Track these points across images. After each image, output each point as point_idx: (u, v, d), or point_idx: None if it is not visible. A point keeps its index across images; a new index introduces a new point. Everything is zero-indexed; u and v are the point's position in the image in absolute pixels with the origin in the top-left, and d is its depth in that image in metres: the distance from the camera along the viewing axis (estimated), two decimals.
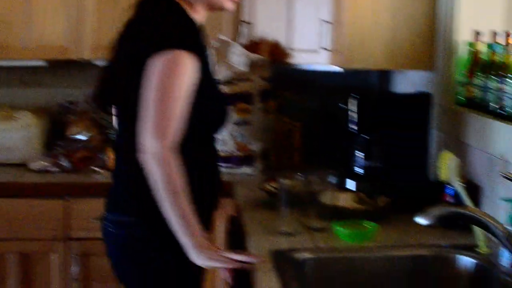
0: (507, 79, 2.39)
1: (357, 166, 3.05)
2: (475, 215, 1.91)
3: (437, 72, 2.94)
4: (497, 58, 2.51)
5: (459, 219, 2.03)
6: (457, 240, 2.35)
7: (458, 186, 2.33)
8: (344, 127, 3.16)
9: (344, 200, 2.72)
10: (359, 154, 3.01)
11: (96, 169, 3.42)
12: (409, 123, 3.00)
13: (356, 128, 3.08)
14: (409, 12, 2.92)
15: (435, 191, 2.56)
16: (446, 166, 2.33)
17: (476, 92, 2.63)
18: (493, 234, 1.90)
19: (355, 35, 2.91)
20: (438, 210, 1.90)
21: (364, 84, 3.72)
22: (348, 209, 2.62)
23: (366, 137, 2.98)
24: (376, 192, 2.74)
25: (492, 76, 2.50)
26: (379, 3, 2.91)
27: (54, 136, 3.69)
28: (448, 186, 2.48)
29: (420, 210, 1.92)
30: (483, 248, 2.24)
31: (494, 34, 2.54)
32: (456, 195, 2.44)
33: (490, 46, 2.58)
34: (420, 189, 2.68)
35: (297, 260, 2.17)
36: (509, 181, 1.95)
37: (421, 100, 3.05)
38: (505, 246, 1.90)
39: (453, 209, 1.92)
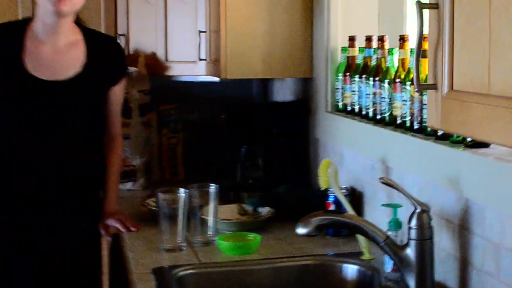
0: (382, 84, 2.39)
1: (240, 177, 3.02)
2: (352, 222, 1.90)
3: (315, 79, 2.94)
4: (371, 62, 2.53)
5: (339, 227, 2.01)
6: (342, 248, 2.34)
7: (338, 193, 2.32)
8: (225, 138, 3.13)
9: (227, 213, 2.67)
10: (242, 165, 2.99)
11: None
12: (289, 132, 2.99)
13: (237, 138, 3.05)
14: (286, 20, 2.91)
15: (318, 200, 2.55)
16: (326, 174, 2.32)
17: (352, 98, 2.64)
18: (373, 240, 1.89)
19: (233, 45, 2.87)
20: (317, 220, 1.88)
21: (244, 93, 3.69)
22: (230, 221, 2.57)
23: (247, 147, 2.96)
24: (260, 203, 2.71)
25: (368, 81, 2.51)
26: (255, 12, 2.88)
27: None
28: (330, 193, 2.48)
29: (302, 221, 1.89)
30: (366, 255, 2.24)
31: (369, 38, 2.55)
32: (338, 203, 2.44)
33: (362, 50, 2.60)
34: (303, 198, 2.66)
35: (178, 277, 2.10)
36: (389, 187, 1.94)
37: (300, 108, 3.05)
38: (386, 252, 1.89)
39: (331, 217, 1.90)
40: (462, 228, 1.86)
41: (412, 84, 2.17)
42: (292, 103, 3.17)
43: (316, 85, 2.92)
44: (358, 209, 2.44)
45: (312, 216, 1.89)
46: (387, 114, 2.37)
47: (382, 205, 2.13)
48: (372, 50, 2.53)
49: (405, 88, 2.24)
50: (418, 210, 1.84)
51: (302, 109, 3.00)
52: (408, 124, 2.22)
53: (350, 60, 2.68)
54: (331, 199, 2.48)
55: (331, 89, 2.81)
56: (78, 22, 2.47)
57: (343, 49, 2.74)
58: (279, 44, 2.92)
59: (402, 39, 2.29)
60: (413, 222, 1.85)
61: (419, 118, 2.16)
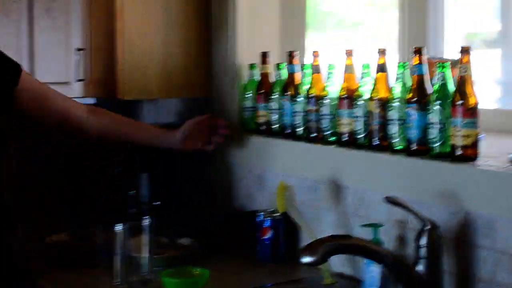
0: (321, 101, 2.31)
1: (136, 207, 2.78)
2: (362, 244, 1.79)
3: (216, 98, 2.78)
4: (286, 78, 2.46)
5: (346, 252, 1.88)
6: (295, 275, 2.22)
7: (297, 217, 2.20)
8: (111, 168, 2.87)
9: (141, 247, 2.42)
10: (139, 195, 2.75)
11: None
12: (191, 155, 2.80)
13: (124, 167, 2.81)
14: (183, 37, 2.73)
15: (247, 226, 2.41)
16: (283, 198, 2.18)
17: (270, 116, 2.53)
18: (380, 261, 1.79)
19: (129, 63, 2.64)
20: (325, 246, 1.74)
21: (132, 115, 3.39)
22: (162, 257, 2.34)
23: (148, 174, 2.73)
24: (178, 233, 2.50)
25: (295, 99, 2.42)
26: (151, 28, 2.69)
27: None
28: (266, 218, 2.34)
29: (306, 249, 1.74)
30: (328, 279, 2.14)
31: (292, 55, 2.46)
32: (276, 228, 2.32)
33: (282, 66, 2.51)
34: (231, 225, 2.50)
35: None
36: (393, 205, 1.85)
37: None
38: (394, 273, 1.81)
39: (340, 242, 1.77)
40: (463, 242, 1.82)
41: (371, 99, 2.11)
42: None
43: (219, 105, 2.76)
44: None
45: (319, 243, 1.75)
46: (328, 132, 2.29)
47: (362, 225, 2.03)
48: (298, 66, 2.45)
49: (356, 104, 2.17)
50: (428, 227, 1.78)
51: None
52: (362, 140, 2.16)
53: (263, 77, 2.58)
54: (267, 223, 2.35)
55: (238, 109, 2.67)
56: None
57: (252, 66, 2.62)
58: (175, 62, 2.73)
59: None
60: (423, 240, 1.78)
61: (380, 134, 2.10)
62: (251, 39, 2.69)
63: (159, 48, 2.70)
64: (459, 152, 1.86)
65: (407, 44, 2.81)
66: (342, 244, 1.77)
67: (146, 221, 2.21)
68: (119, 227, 2.14)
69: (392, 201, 1.82)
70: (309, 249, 1.73)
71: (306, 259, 1.71)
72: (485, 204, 1.77)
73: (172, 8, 2.72)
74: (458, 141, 1.86)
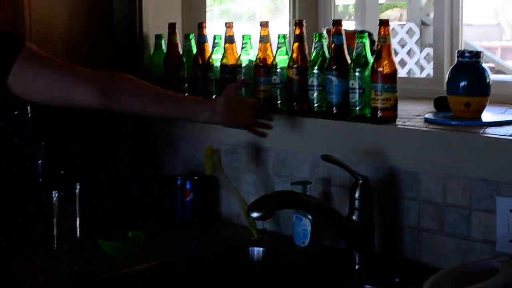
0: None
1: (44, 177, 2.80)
2: (308, 199, 1.97)
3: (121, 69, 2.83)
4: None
5: (291, 207, 2.04)
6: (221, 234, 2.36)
7: (226, 179, 2.33)
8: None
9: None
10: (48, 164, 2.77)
11: None
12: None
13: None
14: (86, 11, 2.77)
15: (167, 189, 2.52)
16: (211, 160, 2.31)
17: (182, 86, 2.63)
18: (320, 214, 1.97)
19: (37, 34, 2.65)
20: (270, 201, 1.90)
21: None
22: None
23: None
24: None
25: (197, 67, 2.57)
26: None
27: None
28: (187, 181, 2.46)
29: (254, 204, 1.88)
30: (255, 235, 2.29)
31: (202, 26, 2.58)
32: (197, 190, 2.44)
33: (189, 37, 2.62)
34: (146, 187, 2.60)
35: None
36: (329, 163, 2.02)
37: None
38: (330, 223, 1.98)
39: (286, 197, 1.93)
40: (390, 194, 2.04)
41: (290, 67, 2.27)
42: None
43: None
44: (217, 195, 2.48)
45: (266, 199, 1.91)
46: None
47: (292, 183, 2.19)
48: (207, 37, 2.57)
49: (274, 71, 2.33)
50: (360, 181, 1.97)
51: None
52: (281, 106, 2.32)
53: (172, 47, 2.67)
54: (187, 186, 2.46)
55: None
56: None
57: (159, 37, 2.71)
58: (80, 34, 2.76)
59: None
60: (357, 193, 1.97)
61: (299, 100, 2.27)
62: (155, 9, 2.76)
63: (63, 21, 2.72)
64: (380, 114, 2.06)
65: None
66: (288, 198, 1.93)
67: (77, 189, 2.26)
68: (54, 195, 2.18)
69: (327, 159, 1.99)
70: (257, 204, 1.87)
71: (255, 214, 1.85)
72: (408, 159, 1.99)
73: None
74: (379, 104, 2.06)
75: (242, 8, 4.02)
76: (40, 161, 2.80)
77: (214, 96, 2.46)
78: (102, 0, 2.81)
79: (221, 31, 2.48)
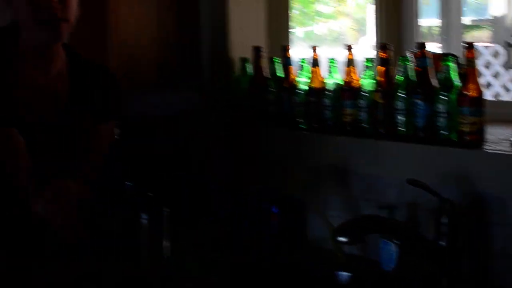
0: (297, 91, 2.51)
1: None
2: (395, 223, 1.97)
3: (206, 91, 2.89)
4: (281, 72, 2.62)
5: (382, 232, 2.04)
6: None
7: (312, 200, 2.35)
8: None
9: None
10: None
11: None
12: None
13: None
14: (174, 33, 2.85)
15: None
16: (299, 183, 2.33)
17: (266, 107, 2.67)
18: (408, 239, 1.97)
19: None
20: (359, 226, 1.91)
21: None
22: None
23: None
24: None
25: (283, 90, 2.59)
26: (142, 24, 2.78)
27: None
28: None
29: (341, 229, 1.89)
30: (340, 259, 2.29)
31: (286, 49, 2.61)
32: (282, 211, 2.47)
33: (274, 60, 2.65)
34: None
35: None
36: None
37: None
38: (417, 249, 1.98)
39: (374, 221, 1.94)
40: (476, 220, 2.01)
41: (376, 90, 2.28)
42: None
43: (209, 99, 2.88)
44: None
45: (353, 223, 1.92)
46: (330, 122, 2.45)
47: (379, 207, 2.18)
48: (292, 59, 2.61)
49: (360, 94, 2.34)
50: (447, 206, 1.96)
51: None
52: (367, 129, 2.32)
53: (257, 70, 2.71)
54: (274, 210, 2.49)
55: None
56: None
57: (244, 60, 2.75)
58: (168, 56, 2.84)
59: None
60: (444, 218, 1.96)
61: (385, 123, 2.27)
62: (241, 33, 2.81)
63: (151, 42, 2.80)
64: (466, 138, 2.05)
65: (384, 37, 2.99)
66: (375, 223, 1.93)
67: (164, 212, 2.31)
68: (142, 217, 2.23)
69: (414, 183, 1.99)
70: (344, 229, 1.88)
71: (341, 239, 1.87)
72: (495, 184, 1.97)
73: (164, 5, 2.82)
74: (466, 128, 2.04)
75: (325, 30, 4.05)
76: (128, 183, 2.87)
77: None
78: (189, 24, 2.87)
79: (305, 53, 2.51)
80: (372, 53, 2.95)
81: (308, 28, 3.65)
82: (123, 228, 2.44)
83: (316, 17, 3.52)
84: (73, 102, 2.14)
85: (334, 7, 3.54)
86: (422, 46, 2.18)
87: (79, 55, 2.18)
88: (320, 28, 3.71)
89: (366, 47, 3.13)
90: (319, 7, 3.54)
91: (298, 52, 2.66)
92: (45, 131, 2.08)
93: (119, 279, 2.09)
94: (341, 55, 2.41)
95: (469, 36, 5.68)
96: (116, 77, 2.26)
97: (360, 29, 3.56)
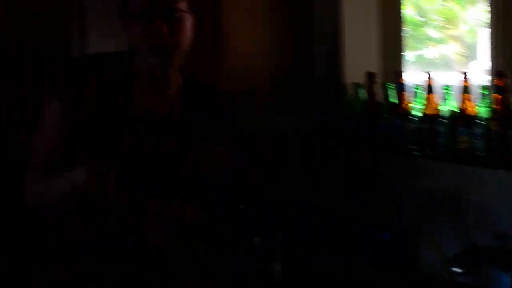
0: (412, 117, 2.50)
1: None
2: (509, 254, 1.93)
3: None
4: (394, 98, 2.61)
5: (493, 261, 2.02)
6: None
7: (425, 227, 2.34)
8: None
9: None
10: None
11: None
12: None
13: None
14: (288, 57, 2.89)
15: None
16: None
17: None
18: None
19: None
20: (475, 256, 1.88)
21: None
22: None
23: None
24: None
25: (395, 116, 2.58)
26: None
27: None
28: None
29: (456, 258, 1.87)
30: None
31: (399, 74, 2.61)
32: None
33: (390, 86, 2.65)
34: None
35: None
36: None
37: None
38: None
39: (490, 252, 1.91)
40: None
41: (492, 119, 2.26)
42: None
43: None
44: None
45: (467, 253, 1.90)
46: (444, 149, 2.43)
47: (494, 237, 2.15)
48: (405, 85, 2.60)
49: (475, 122, 2.31)
50: None
51: None
52: (482, 157, 2.30)
53: (371, 96, 2.72)
54: (387, 237, 2.48)
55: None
56: None
57: (358, 86, 2.76)
58: None
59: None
60: None
61: (502, 152, 2.24)
62: (354, 59, 2.83)
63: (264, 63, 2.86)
64: None
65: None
66: (490, 253, 1.91)
67: (277, 236, 2.34)
68: (255, 241, 2.27)
69: None
70: (459, 259, 1.87)
71: (457, 269, 1.85)
72: None
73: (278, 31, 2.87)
74: None
75: (435, 54, 4.00)
76: (240, 206, 2.91)
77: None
78: (302, 48, 2.91)
79: (417, 78, 2.50)
80: (484, 79, 2.91)
81: (419, 52, 3.62)
82: (234, 251, 2.48)
83: (426, 40, 3.48)
84: (184, 126, 2.16)
85: (443, 31, 3.49)
86: None
87: (194, 79, 2.21)
88: (430, 52, 3.67)
89: (477, 73, 3.07)
90: (429, 31, 3.49)
91: (409, 76, 2.64)
92: (158, 153, 2.12)
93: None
94: (453, 81, 2.40)
95: None
96: (231, 101, 2.27)
97: (470, 55, 3.51)
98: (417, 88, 2.54)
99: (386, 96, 2.65)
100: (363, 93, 2.73)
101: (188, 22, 2.07)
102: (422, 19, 3.30)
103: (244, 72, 2.84)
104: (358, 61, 2.85)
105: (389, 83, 2.66)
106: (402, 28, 3.01)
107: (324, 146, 2.84)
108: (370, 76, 2.71)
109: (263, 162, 2.87)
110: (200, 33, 2.16)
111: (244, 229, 2.64)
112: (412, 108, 2.54)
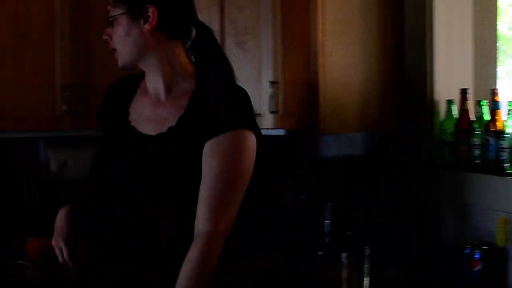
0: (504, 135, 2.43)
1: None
2: None
3: (405, 132, 2.86)
4: (488, 116, 2.54)
5: None
6: None
7: None
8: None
9: None
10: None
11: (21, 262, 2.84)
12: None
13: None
14: (380, 71, 2.85)
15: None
16: (504, 231, 2.25)
17: (471, 152, 2.59)
18: None
19: (330, 96, 2.76)
20: None
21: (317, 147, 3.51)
22: None
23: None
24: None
25: (488, 133, 2.51)
26: (351, 62, 2.80)
27: None
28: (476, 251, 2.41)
29: None
30: None
31: (495, 92, 2.54)
32: (484, 259, 2.38)
33: (483, 103, 2.59)
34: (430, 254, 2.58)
35: None
36: None
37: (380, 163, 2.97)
38: None
39: None
40: None
41: None
42: (369, 157, 3.06)
43: (409, 139, 2.84)
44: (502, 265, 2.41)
45: None
46: None
47: None
48: (500, 103, 2.53)
49: None
50: None
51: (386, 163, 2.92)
52: None
53: (463, 113, 2.65)
54: (477, 256, 2.41)
55: (435, 144, 2.75)
56: (205, 68, 2.16)
57: (450, 102, 2.70)
58: (371, 97, 2.84)
59: None
60: None
61: None
62: (446, 75, 2.77)
63: (357, 83, 2.81)
64: None
65: None
66: None
67: (366, 252, 2.30)
68: (344, 256, 2.23)
69: None
70: None
71: None
72: None
73: (370, 45, 2.83)
74: None
75: None
76: (327, 221, 2.90)
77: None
78: (394, 65, 2.86)
79: (507, 93, 2.43)
80: None
81: (509, 68, 3.52)
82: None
83: None
84: (185, 120, 2.03)
85: None
86: None
87: (212, 77, 2.07)
88: None
89: None
90: None
91: (500, 91, 2.57)
92: (151, 147, 2.07)
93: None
94: None
95: None
96: (233, 94, 2.01)
97: None
98: (510, 105, 2.47)
99: (480, 113, 2.58)
100: (455, 110, 2.67)
101: None
102: None
103: (338, 92, 2.80)
104: (451, 78, 2.78)
105: (483, 100, 2.59)
106: (496, 44, 2.93)
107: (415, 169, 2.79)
108: (463, 92, 2.64)
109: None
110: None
111: (333, 245, 2.63)
112: (506, 126, 2.47)
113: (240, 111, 1.97)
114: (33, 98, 3.16)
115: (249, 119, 1.97)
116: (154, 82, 2.11)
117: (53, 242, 2.03)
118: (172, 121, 2.05)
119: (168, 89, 2.08)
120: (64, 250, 2.02)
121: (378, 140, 3.05)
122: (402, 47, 2.88)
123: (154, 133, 2.05)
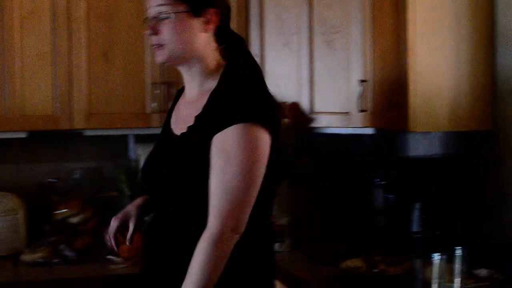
0: None
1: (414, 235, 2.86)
2: None
3: (502, 131, 2.80)
4: None
5: None
6: None
7: None
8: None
9: None
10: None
11: (112, 257, 2.90)
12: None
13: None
14: (470, 72, 2.79)
15: None
16: None
17: None
18: None
19: (420, 96, 2.72)
20: None
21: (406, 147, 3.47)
22: None
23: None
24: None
25: None
26: (441, 62, 2.76)
27: (38, 221, 3.12)
28: None
29: None
30: None
31: None
32: None
33: None
34: None
35: None
36: None
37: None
38: None
39: None
40: None
41: None
42: (464, 157, 3.01)
43: (504, 139, 2.79)
44: None
45: None
46: None
47: None
48: None
49: None
50: None
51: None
52: None
53: None
54: None
55: None
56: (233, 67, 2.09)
57: None
58: (463, 95, 2.79)
59: None
60: None
61: None
62: None
63: (448, 81, 2.76)
64: None
65: None
66: None
67: (459, 251, 2.26)
68: (436, 258, 2.20)
69: None
70: None
71: None
72: None
73: (461, 43, 2.78)
74: None
75: None
76: (416, 222, 2.87)
77: None
78: (485, 65, 2.82)
79: None
80: None
81: None
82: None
83: None
84: (200, 119, 2.05)
85: None
86: None
87: (234, 76, 2.06)
88: None
89: None
90: None
91: None
92: (172, 147, 2.13)
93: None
94: None
95: None
96: (237, 89, 2.01)
97: None
98: None
99: None
100: None
101: None
102: None
103: (427, 92, 2.77)
104: None
105: None
106: None
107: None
108: None
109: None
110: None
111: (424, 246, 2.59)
112: None
113: (248, 107, 1.94)
114: (123, 95, 3.23)
115: (260, 116, 1.93)
116: (190, 82, 2.14)
117: (112, 220, 2.15)
118: (192, 121, 2.08)
119: (200, 89, 2.11)
120: (112, 230, 2.14)
121: (470, 140, 3.00)
122: (493, 45, 2.82)
123: (179, 133, 2.11)
